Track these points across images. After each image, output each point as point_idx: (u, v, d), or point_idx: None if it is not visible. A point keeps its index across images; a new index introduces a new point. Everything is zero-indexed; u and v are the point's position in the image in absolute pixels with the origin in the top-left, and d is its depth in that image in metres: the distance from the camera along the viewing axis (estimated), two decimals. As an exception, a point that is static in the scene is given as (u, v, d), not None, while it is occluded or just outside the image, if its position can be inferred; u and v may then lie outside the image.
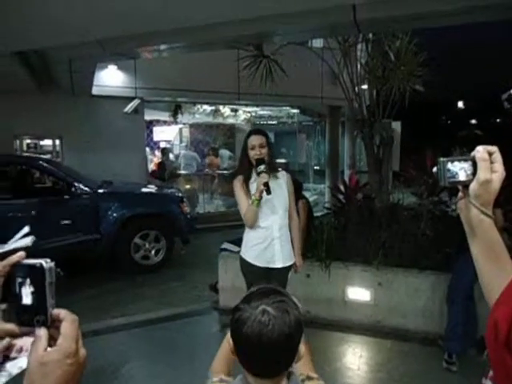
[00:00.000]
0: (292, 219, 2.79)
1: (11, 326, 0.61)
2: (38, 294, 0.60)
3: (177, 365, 3.05)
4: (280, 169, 2.76)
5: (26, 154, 7.16)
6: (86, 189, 5.10)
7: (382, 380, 2.97)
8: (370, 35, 4.97)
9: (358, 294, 3.73)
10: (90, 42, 4.31)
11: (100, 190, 5.25)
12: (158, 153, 10.33)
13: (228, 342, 1.01)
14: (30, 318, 0.60)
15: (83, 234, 4.90)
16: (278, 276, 2.63)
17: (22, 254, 0.63)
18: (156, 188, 6.40)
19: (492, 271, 0.76)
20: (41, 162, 5.27)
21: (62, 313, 0.61)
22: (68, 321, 0.60)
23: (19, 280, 0.61)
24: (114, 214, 5.19)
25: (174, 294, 4.67)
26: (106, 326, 3.74)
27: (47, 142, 7.64)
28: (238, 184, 2.63)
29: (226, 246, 4.18)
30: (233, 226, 6.85)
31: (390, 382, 2.92)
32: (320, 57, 5.58)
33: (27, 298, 0.60)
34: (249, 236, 2.69)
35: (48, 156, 7.16)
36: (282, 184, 2.68)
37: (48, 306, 0.60)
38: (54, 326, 0.60)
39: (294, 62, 5.72)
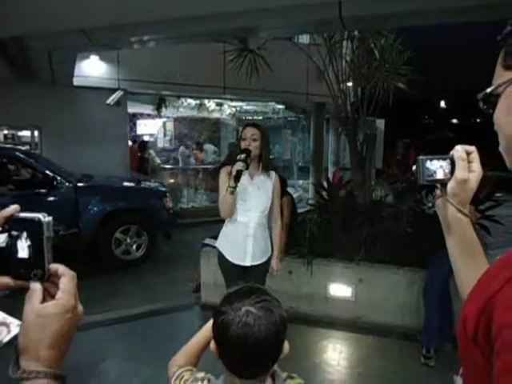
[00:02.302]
0: (275, 222, 2.76)
1: (6, 280, 0.61)
2: (36, 248, 0.59)
3: (157, 361, 3.01)
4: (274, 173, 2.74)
5: (3, 145, 6.93)
6: (65, 182, 4.98)
7: (362, 375, 3.01)
8: (356, 32, 4.99)
9: (340, 290, 3.76)
10: (74, 31, 4.19)
11: (80, 184, 5.15)
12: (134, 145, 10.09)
13: (211, 345, 0.99)
14: (26, 272, 0.59)
15: (61, 229, 4.79)
16: (254, 275, 2.60)
17: (16, 206, 0.62)
18: (138, 182, 6.30)
19: (467, 268, 0.78)
20: (18, 154, 5.11)
21: (60, 268, 0.61)
22: (67, 276, 0.60)
23: (14, 233, 0.60)
24: (95, 209, 5.10)
25: (155, 289, 4.62)
26: (86, 322, 3.66)
27: (25, 133, 7.42)
28: (223, 173, 2.59)
29: (208, 241, 4.15)
30: (216, 222, 6.81)
31: (369, 377, 2.96)
32: (306, 53, 5.57)
33: (23, 251, 0.59)
34: (226, 228, 2.68)
35: (26, 147, 6.96)
36: (269, 184, 2.65)
37: (45, 260, 0.60)
38: (50, 280, 0.60)
39: (279, 57, 5.69)
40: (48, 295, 0.60)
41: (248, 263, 2.60)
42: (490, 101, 0.62)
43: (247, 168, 2.43)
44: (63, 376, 0.58)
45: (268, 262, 2.72)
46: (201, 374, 1.04)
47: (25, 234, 0.59)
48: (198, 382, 1.02)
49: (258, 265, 2.64)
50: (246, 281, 2.41)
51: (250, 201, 2.57)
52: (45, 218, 0.60)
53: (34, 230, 0.59)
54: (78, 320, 0.61)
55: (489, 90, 0.63)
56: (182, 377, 1.05)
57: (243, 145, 2.51)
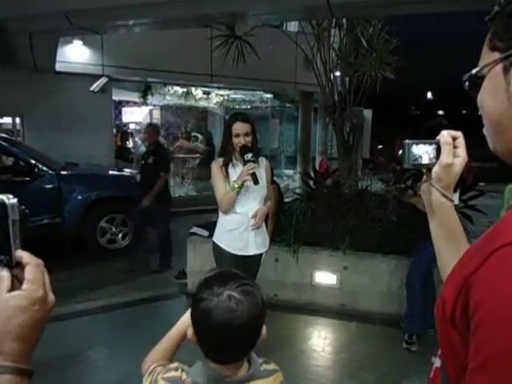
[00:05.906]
0: (266, 201, 2.75)
1: None
2: (1, 233, 0.56)
3: (142, 349, 3.00)
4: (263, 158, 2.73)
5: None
6: (48, 170, 4.89)
7: (345, 360, 3.06)
8: (344, 20, 4.96)
9: (325, 277, 3.80)
10: (55, 14, 4.07)
11: (63, 172, 5.06)
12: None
13: (188, 333, 0.97)
14: None
15: (44, 217, 4.71)
16: (252, 263, 2.62)
17: None
18: (123, 170, 6.22)
19: (449, 253, 0.79)
20: (-1, 141, 4.98)
21: (24, 256, 0.56)
22: (32, 265, 0.56)
23: None
24: (79, 197, 5.03)
25: (141, 278, 4.60)
26: (71, 311, 3.64)
27: (7, 120, 7.24)
28: (216, 167, 2.55)
29: (195, 230, 4.15)
30: (203, 211, 6.79)
31: (352, 362, 3.01)
32: (294, 41, 5.52)
33: None
34: (223, 221, 2.63)
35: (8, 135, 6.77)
36: (262, 172, 2.64)
37: (12, 245, 0.56)
38: (19, 267, 0.57)
39: (267, 45, 5.64)
40: (18, 282, 0.56)
41: (251, 252, 2.61)
42: (475, 82, 0.62)
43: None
44: (30, 370, 0.55)
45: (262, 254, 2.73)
46: (174, 365, 1.03)
47: None
48: (171, 371, 1.00)
49: (257, 254, 2.65)
50: (241, 270, 2.40)
51: (248, 192, 2.55)
52: (9, 199, 0.56)
53: None
54: (48, 310, 0.57)
55: (474, 72, 0.62)
56: (155, 371, 1.02)
57: (237, 141, 2.48)
